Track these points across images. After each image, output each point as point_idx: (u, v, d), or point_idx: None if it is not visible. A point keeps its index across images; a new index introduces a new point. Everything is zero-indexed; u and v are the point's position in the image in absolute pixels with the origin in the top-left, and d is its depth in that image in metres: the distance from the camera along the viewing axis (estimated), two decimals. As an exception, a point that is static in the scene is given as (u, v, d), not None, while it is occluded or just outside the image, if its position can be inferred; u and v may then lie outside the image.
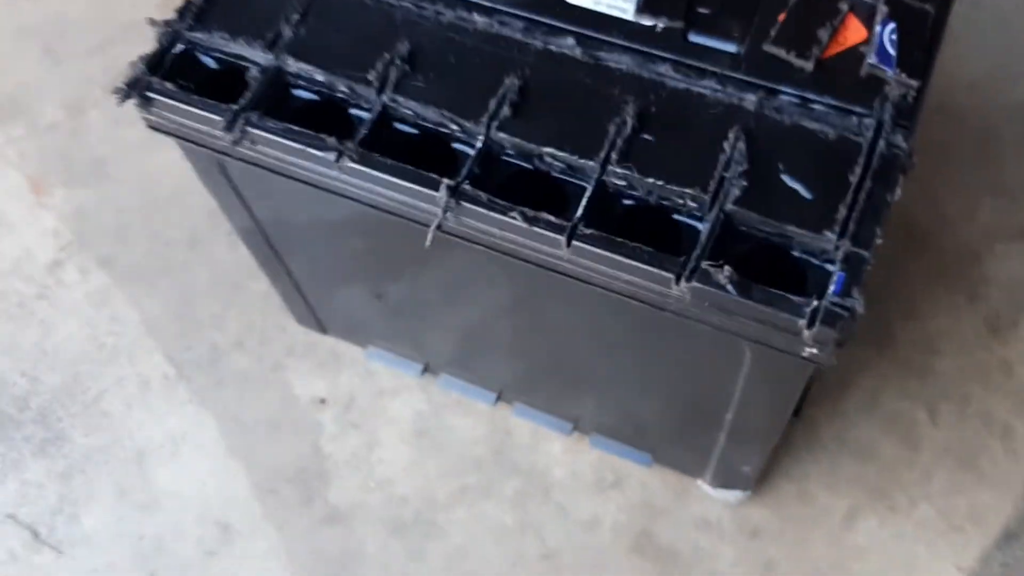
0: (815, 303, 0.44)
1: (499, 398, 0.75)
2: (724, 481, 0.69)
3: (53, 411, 0.78)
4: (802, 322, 0.44)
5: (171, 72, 0.53)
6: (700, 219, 0.47)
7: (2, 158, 0.90)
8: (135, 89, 0.52)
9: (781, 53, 0.49)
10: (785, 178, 0.47)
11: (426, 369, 0.76)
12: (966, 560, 0.68)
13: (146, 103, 0.53)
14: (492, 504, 0.72)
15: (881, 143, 0.47)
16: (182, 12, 0.54)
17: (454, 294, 0.63)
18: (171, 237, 0.84)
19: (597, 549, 0.70)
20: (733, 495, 0.70)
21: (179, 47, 0.54)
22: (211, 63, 0.54)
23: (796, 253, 0.47)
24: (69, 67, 0.94)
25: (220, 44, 0.53)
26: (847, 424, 0.73)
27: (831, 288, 0.45)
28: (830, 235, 0.45)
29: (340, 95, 0.52)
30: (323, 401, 0.77)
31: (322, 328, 0.78)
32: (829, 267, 0.46)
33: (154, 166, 0.86)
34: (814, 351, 0.45)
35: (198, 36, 0.53)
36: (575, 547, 0.71)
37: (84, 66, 0.94)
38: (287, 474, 0.74)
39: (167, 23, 0.54)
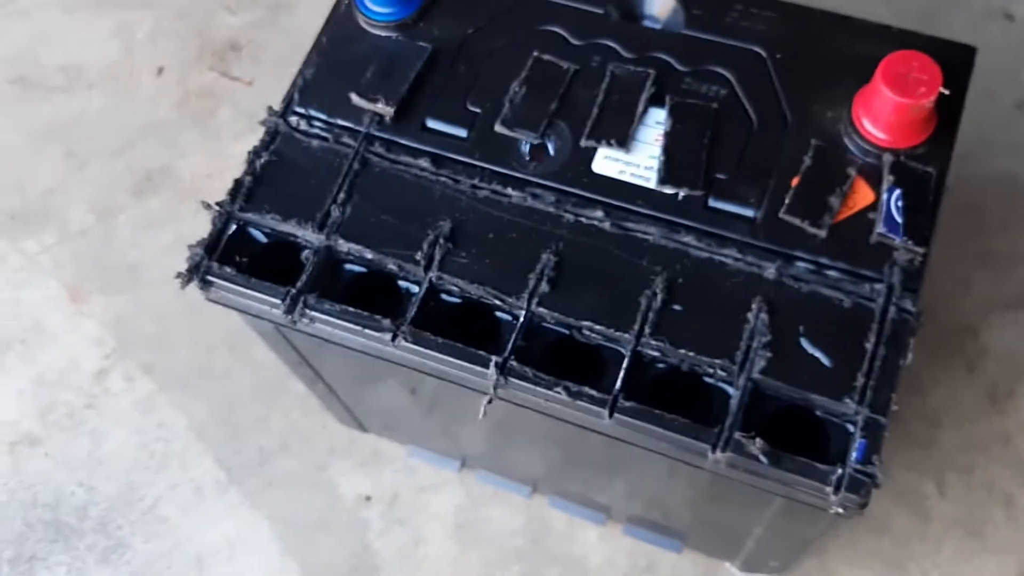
0: (839, 471, 0.49)
1: (534, 490, 0.80)
2: (753, 568, 0.74)
3: (112, 519, 0.83)
4: (828, 489, 0.49)
5: (226, 252, 0.57)
6: (729, 383, 0.52)
7: (37, 267, 0.94)
8: (195, 274, 0.56)
9: (796, 222, 0.54)
10: (806, 345, 0.51)
11: (463, 464, 0.81)
12: (975, 627, 0.74)
13: (207, 286, 0.57)
14: (533, 593, 0.78)
15: (892, 309, 0.51)
16: (233, 193, 0.58)
17: (495, 434, 0.68)
18: (210, 341, 0.88)
19: (635, 632, 0.76)
20: (760, 577, 0.75)
21: (232, 227, 0.58)
22: (263, 238, 0.58)
23: (819, 413, 0.51)
24: (93, 170, 0.98)
25: (272, 223, 0.57)
26: (861, 497, 0.78)
27: (853, 456, 0.49)
28: (850, 403, 0.50)
29: (389, 270, 0.56)
30: (368, 499, 0.82)
31: (362, 427, 0.83)
32: (850, 427, 0.51)
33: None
34: (839, 510, 0.50)
35: (250, 216, 0.57)
36: (614, 631, 0.76)
37: (108, 169, 0.97)
38: (340, 572, 0.79)
39: (220, 205, 0.58)
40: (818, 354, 0.51)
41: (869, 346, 0.51)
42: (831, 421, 0.51)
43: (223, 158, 0.95)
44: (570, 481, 0.76)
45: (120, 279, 0.92)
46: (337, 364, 0.66)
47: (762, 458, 0.49)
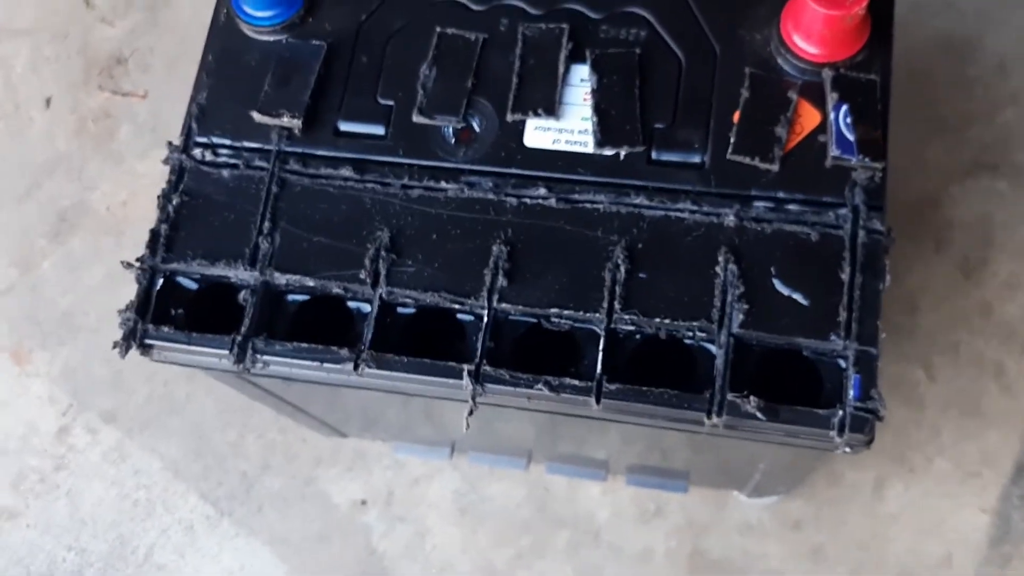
0: (840, 413, 0.47)
1: (529, 461, 0.78)
2: (762, 493, 0.74)
3: (109, 578, 0.80)
4: (832, 433, 0.47)
5: (159, 309, 0.53)
6: (711, 342, 0.50)
7: (-31, 334, 0.89)
8: (132, 341, 0.53)
9: (746, 160, 0.51)
10: (780, 288, 0.49)
11: (453, 450, 0.79)
12: (987, 501, 0.74)
13: (147, 350, 0.53)
14: (548, 561, 0.76)
15: (861, 232, 0.49)
16: (152, 245, 0.54)
17: (482, 420, 0.65)
18: (166, 375, 0.85)
19: (657, 578, 0.75)
20: (770, 499, 0.75)
21: (159, 281, 0.54)
22: (195, 285, 0.54)
23: (807, 354, 0.49)
24: (2, 220, 0.92)
25: (200, 269, 0.53)
26: (854, 397, 0.77)
27: (850, 394, 0.48)
28: (837, 339, 0.48)
29: (335, 294, 0.53)
30: (364, 502, 0.80)
31: (342, 434, 0.80)
32: (841, 363, 0.49)
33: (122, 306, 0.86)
34: (846, 449, 0.49)
35: (175, 266, 0.53)
36: (636, 581, 0.76)
37: (18, 216, 0.92)
38: (351, 581, 0.78)
39: (140, 260, 0.54)
40: (795, 295, 0.49)
41: (845, 276, 0.49)
42: (821, 360, 0.49)
43: (133, 180, 0.90)
44: (565, 446, 0.74)
45: (58, 330, 0.87)
46: (304, 392, 0.63)
47: (759, 415, 0.47)
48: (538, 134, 0.53)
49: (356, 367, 0.51)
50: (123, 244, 0.85)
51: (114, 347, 0.53)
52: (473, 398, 0.50)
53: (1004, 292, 0.78)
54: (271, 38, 0.56)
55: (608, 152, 0.52)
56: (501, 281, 0.51)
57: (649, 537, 0.76)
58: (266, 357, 0.51)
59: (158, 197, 0.54)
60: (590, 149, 0.52)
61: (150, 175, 0.87)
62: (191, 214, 0.54)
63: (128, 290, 0.85)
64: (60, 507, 0.82)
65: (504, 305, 0.50)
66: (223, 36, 0.57)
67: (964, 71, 0.85)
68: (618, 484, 0.77)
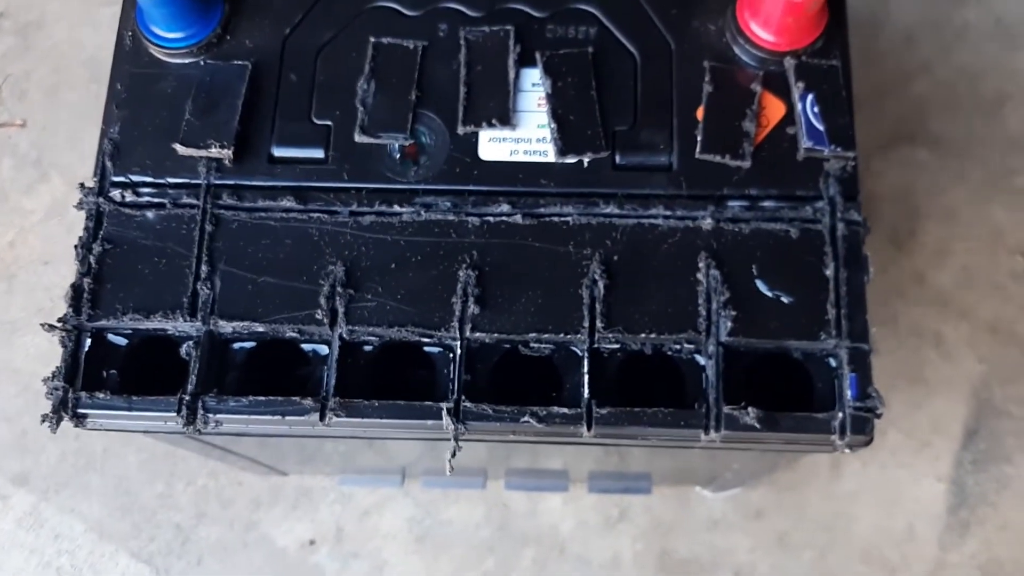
0: (840, 415, 0.46)
1: (486, 479, 0.75)
2: (726, 487, 0.72)
3: (37, 658, 0.73)
4: (833, 436, 0.46)
5: (89, 374, 0.48)
6: (698, 352, 0.47)
7: None
8: (63, 412, 0.47)
9: (716, 158, 0.48)
10: (765, 291, 0.47)
11: (404, 475, 0.75)
12: (942, 469, 0.75)
13: (80, 421, 0.47)
14: (516, 580, 0.74)
15: (840, 225, 0.48)
16: (75, 303, 0.48)
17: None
18: (76, 430, 0.77)
19: (627, 584, 0.73)
20: (733, 491, 0.74)
21: (87, 343, 0.48)
22: (126, 342, 0.49)
23: (796, 356, 0.48)
24: None
25: (133, 325, 0.48)
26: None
27: (848, 394, 0.46)
28: (827, 338, 0.47)
29: (289, 338, 0.48)
30: (312, 542, 0.75)
31: (281, 473, 0.75)
32: (831, 362, 0.47)
33: (21, 358, 0.78)
34: (846, 451, 0.47)
35: (103, 324, 0.48)
36: (607, 590, 0.73)
37: None
38: (309, 629, 0.73)
39: (63, 321, 0.48)
40: (781, 295, 0.47)
41: (829, 272, 0.47)
42: (810, 360, 0.48)
43: (20, 219, 0.82)
44: (521, 459, 0.71)
45: (-52, 391, 0.79)
46: (259, 443, 0.58)
47: (758, 426, 0.45)
48: (493, 146, 0.49)
49: (323, 417, 0.46)
50: (14, 289, 0.77)
51: (43, 421, 0.47)
52: (456, 438, 0.46)
53: (934, 260, 0.79)
54: (186, 60, 0.50)
55: (571, 160, 0.49)
56: (472, 308, 0.47)
57: (616, 543, 0.74)
58: (219, 416, 0.47)
59: (75, 247, 0.48)
60: (551, 158, 0.49)
61: (38, 211, 0.79)
62: (116, 263, 0.48)
63: (26, 340, 0.78)
64: (-28, 585, 0.75)
65: (478, 334, 0.47)
66: (131, 61, 0.51)
67: (873, 45, 0.86)
68: (580, 493, 0.75)
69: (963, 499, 0.74)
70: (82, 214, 0.49)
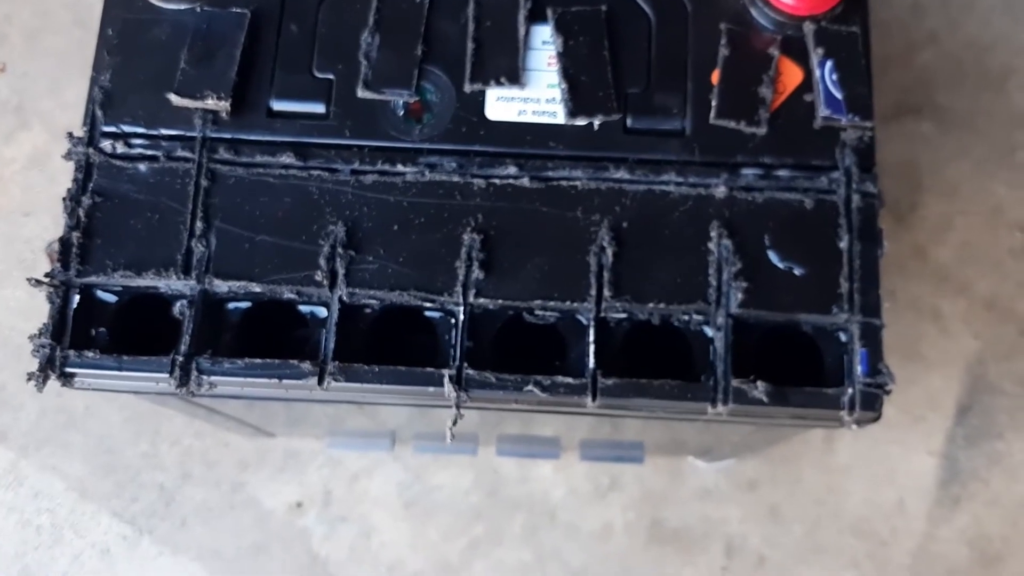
0: (849, 391, 0.45)
1: (476, 445, 0.74)
2: (721, 458, 0.72)
3: (17, 616, 0.72)
4: (842, 412, 0.45)
5: (78, 331, 0.46)
6: (707, 323, 0.46)
7: None
8: (51, 370, 0.45)
9: (731, 124, 0.47)
10: (777, 263, 0.46)
11: (394, 440, 0.73)
12: (934, 444, 0.75)
13: (68, 380, 0.46)
14: (505, 547, 0.73)
15: (855, 197, 0.47)
16: (63, 257, 0.46)
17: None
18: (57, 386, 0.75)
19: (618, 553, 0.73)
20: (725, 463, 0.73)
21: (75, 299, 0.46)
22: (118, 299, 0.47)
23: (806, 330, 0.47)
24: None
25: (123, 281, 0.46)
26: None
27: (858, 370, 0.45)
28: (838, 312, 0.46)
29: (287, 299, 0.46)
30: (299, 504, 0.74)
31: (269, 434, 0.74)
32: (842, 336, 0.46)
33: (3, 311, 0.76)
34: (854, 427, 0.47)
35: (93, 279, 0.46)
36: (597, 559, 0.73)
37: None
38: (294, 592, 0.72)
39: (50, 276, 0.46)
40: (793, 267, 0.46)
41: (843, 244, 0.46)
42: (820, 333, 0.47)
43: (1, 166, 0.79)
44: (513, 426, 0.70)
45: (-73, 344, 0.77)
46: (247, 404, 0.57)
47: (766, 400, 0.44)
48: (501, 105, 0.48)
49: (321, 381, 0.45)
50: (-3, 245, 0.75)
51: (29, 379, 0.45)
52: (457, 406, 0.45)
53: (936, 235, 0.78)
54: (182, 6, 0.48)
55: (581, 122, 0.47)
56: (476, 273, 0.46)
57: (606, 512, 0.73)
58: (213, 378, 0.45)
59: (64, 200, 0.46)
60: (561, 120, 0.47)
61: (19, 160, 0.77)
62: (107, 217, 0.46)
63: (6, 293, 0.76)
64: (-51, 543, 0.73)
65: (481, 300, 0.46)
66: (124, 6, 0.49)
67: (878, 15, 0.84)
68: (571, 460, 0.74)
69: (954, 474, 0.74)
70: (68, 165, 0.47)
